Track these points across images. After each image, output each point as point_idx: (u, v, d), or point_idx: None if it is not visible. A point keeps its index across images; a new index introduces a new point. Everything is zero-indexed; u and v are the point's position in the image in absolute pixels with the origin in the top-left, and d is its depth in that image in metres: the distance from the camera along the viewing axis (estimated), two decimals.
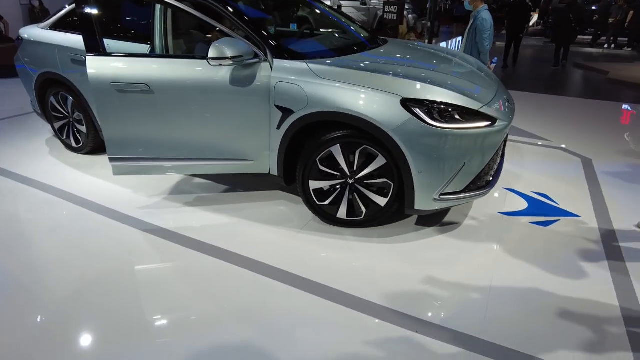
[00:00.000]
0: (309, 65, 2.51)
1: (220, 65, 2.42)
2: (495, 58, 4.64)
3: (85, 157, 3.76)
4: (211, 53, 2.35)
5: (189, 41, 3.20)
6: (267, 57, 2.54)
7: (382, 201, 2.57)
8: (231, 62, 2.41)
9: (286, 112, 2.53)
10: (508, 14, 9.24)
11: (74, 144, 3.79)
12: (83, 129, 3.65)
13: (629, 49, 12.81)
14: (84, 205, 2.98)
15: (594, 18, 14.04)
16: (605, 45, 13.24)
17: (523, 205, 3.11)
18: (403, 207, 2.53)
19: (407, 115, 2.28)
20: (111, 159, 2.70)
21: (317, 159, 2.52)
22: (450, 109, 2.33)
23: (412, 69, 2.77)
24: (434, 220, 2.84)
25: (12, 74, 7.09)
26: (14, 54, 7.16)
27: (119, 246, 2.53)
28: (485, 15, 3.95)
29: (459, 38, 12.13)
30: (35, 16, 7.95)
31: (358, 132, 2.42)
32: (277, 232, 2.69)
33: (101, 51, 2.52)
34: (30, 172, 3.48)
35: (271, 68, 2.53)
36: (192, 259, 2.42)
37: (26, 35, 3.72)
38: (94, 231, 2.68)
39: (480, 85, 2.74)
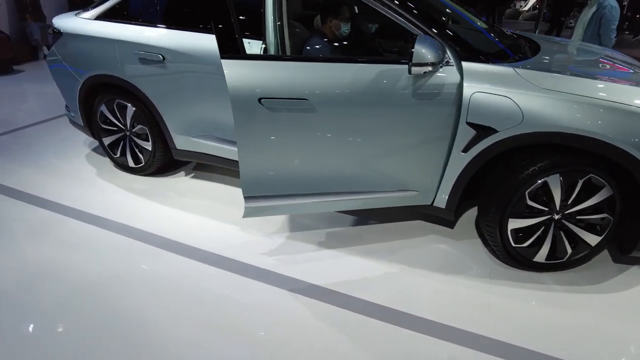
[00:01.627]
0: (518, 70, 1.91)
1: (424, 73, 1.79)
2: None
3: (147, 180, 3.00)
4: (417, 56, 1.71)
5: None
6: (452, 59, 1.93)
7: (593, 240, 2.04)
8: (431, 69, 1.78)
9: (484, 131, 1.92)
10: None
11: (131, 164, 3.03)
12: (147, 145, 2.89)
13: None
14: (179, 251, 2.27)
15: None
16: None
17: None
18: (619, 245, 2.00)
19: None
20: (247, 199, 2.01)
21: (526, 192, 1.95)
22: None
23: (621, 72, 2.22)
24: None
25: (4, 69, 6.13)
26: (2, 46, 6.16)
27: (281, 322, 1.86)
28: (613, 2, 3.44)
29: None
30: (23, 4, 6.78)
31: (582, 158, 1.87)
32: (457, 282, 2.10)
33: (242, 54, 1.81)
34: (85, 204, 2.70)
35: (461, 74, 1.92)
36: (379, 331, 1.81)
37: (66, 27, 2.89)
38: (221, 294, 1.98)
39: None
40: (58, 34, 2.93)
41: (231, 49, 1.78)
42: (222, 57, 1.76)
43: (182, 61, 2.45)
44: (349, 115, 1.90)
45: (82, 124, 3.09)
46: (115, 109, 2.87)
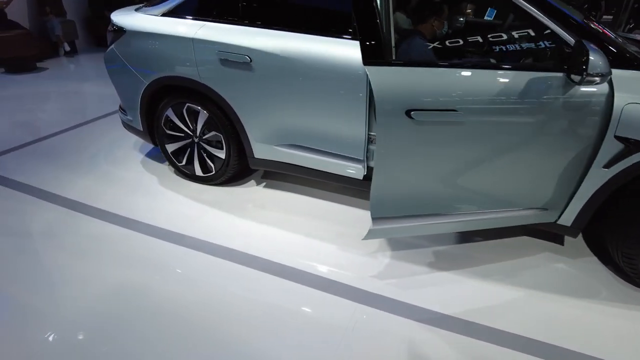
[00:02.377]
0: None
1: (574, 82, 1.58)
2: None
3: (216, 191, 2.77)
4: (592, 67, 1.48)
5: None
6: None
7: None
8: (599, 81, 1.56)
9: (635, 146, 1.71)
10: None
11: (199, 172, 2.80)
12: (219, 153, 2.66)
13: None
14: (279, 273, 2.05)
15: None
16: None
17: None
18: None
19: None
20: (375, 220, 1.80)
21: None
22: None
23: None
24: None
25: (24, 68, 5.88)
26: (23, 42, 5.92)
27: (416, 357, 1.64)
28: None
29: None
30: None
31: None
32: (593, 309, 1.89)
33: (388, 59, 1.57)
34: (156, 218, 2.46)
35: (610, 84, 1.71)
36: None
37: (131, 25, 2.64)
38: (347, 326, 1.76)
39: None
40: (119, 31, 2.68)
41: (376, 54, 1.55)
42: (366, 64, 1.53)
43: (272, 64, 2.21)
44: (496, 128, 1.68)
45: (141, 129, 2.86)
46: (185, 114, 2.64)
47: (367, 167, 2.28)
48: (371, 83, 1.55)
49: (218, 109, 2.50)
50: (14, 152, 3.34)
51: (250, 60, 2.23)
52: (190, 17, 2.47)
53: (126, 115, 2.94)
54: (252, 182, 2.88)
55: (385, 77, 1.57)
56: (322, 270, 2.09)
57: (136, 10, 2.80)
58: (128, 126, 3.00)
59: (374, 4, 1.58)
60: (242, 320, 1.81)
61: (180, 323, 1.78)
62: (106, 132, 3.77)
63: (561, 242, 2.32)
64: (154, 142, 2.91)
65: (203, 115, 2.57)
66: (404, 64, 1.63)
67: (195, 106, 2.56)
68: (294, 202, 2.66)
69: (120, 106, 3.04)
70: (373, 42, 1.55)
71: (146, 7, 2.74)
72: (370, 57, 1.54)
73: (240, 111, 2.41)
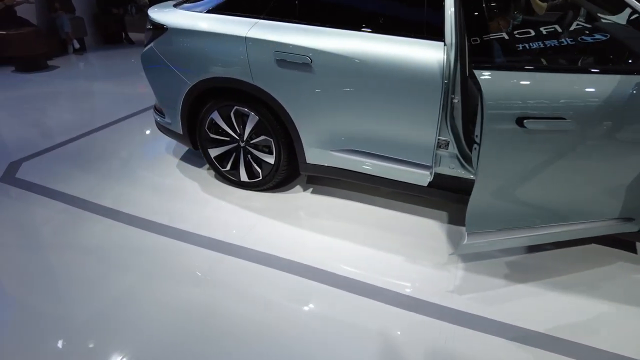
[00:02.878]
0: None
1: None
2: None
3: (264, 197, 2.63)
4: None
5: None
6: None
7: None
8: None
9: None
10: None
11: (244, 178, 2.67)
12: (268, 158, 2.52)
13: None
14: (351, 289, 1.92)
15: None
16: None
17: None
18: None
19: None
20: (470, 235, 1.69)
21: None
22: None
23: None
24: None
25: (34, 66, 5.67)
26: (34, 40, 5.78)
27: None
28: None
29: None
30: None
31: None
32: None
33: (495, 62, 1.45)
34: (208, 228, 2.33)
35: None
36: None
37: (173, 22, 2.49)
38: (442, 347, 1.64)
39: None
40: (159, 29, 2.53)
41: (484, 56, 1.43)
42: (475, 68, 1.41)
43: (335, 65, 2.07)
44: (605, 136, 1.56)
45: (181, 133, 2.71)
46: (232, 117, 2.51)
47: (434, 173, 2.16)
48: (482, 89, 1.42)
49: (270, 112, 2.37)
50: (40, 157, 3.18)
51: (311, 61, 2.11)
52: (240, 15, 2.34)
53: (163, 117, 2.79)
54: (298, 187, 2.75)
55: (497, 82, 1.45)
56: (395, 284, 1.96)
57: (175, 6, 2.66)
58: (165, 129, 2.86)
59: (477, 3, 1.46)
60: (319, 340, 1.69)
61: (252, 344, 1.66)
62: (133, 134, 3.63)
63: (634, 251, 2.23)
64: (193, 146, 2.77)
65: (252, 119, 2.44)
66: (512, 68, 1.50)
67: (245, 109, 2.43)
68: (346, 209, 2.53)
69: (155, 107, 2.89)
70: (480, 43, 1.43)
71: (188, 3, 2.59)
72: (479, 59, 1.43)
73: (295, 115, 2.28)
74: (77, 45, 6.50)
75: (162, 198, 2.65)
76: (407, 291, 1.93)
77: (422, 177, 2.19)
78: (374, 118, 2.13)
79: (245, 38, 2.23)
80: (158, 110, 2.85)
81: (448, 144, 2.09)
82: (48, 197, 2.64)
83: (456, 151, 2.09)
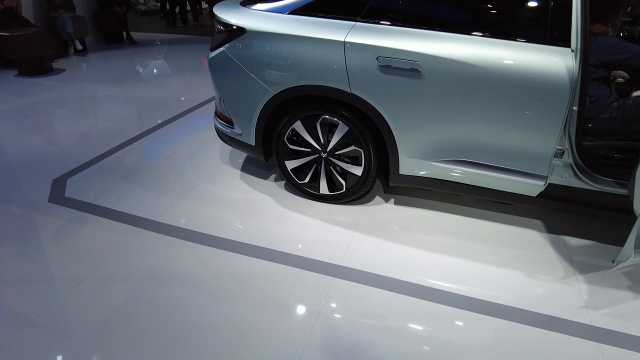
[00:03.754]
0: None
1: None
2: None
3: (346, 210, 2.48)
4: None
5: None
6: None
7: None
8: None
9: None
10: None
11: (324, 191, 2.52)
12: (355, 169, 2.37)
13: None
14: (484, 311, 1.80)
15: None
16: None
17: None
18: None
19: None
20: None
21: None
22: None
23: None
24: None
25: (40, 69, 5.28)
26: (39, 41, 5.60)
27: None
28: None
29: None
30: None
31: None
32: None
33: None
34: (303, 248, 2.17)
35: None
36: None
37: (251, 24, 2.29)
38: None
39: None
40: (235, 32, 2.33)
41: None
42: None
43: (448, 71, 1.95)
44: None
45: (253, 144, 2.53)
46: (318, 127, 2.35)
47: (548, 183, 2.08)
48: None
49: (361, 122, 2.23)
50: (84, 171, 2.92)
51: (422, 67, 1.98)
52: (330, 17, 2.18)
53: (232, 127, 2.60)
54: (378, 199, 2.62)
55: None
56: (522, 302, 1.86)
57: (244, 5, 2.46)
58: (231, 140, 2.66)
59: None
60: None
61: None
62: (177, 143, 3.39)
63: None
64: (264, 159, 2.59)
65: (342, 129, 2.28)
66: None
67: (333, 119, 2.28)
68: (438, 221, 2.42)
69: (219, 116, 2.69)
70: None
71: (261, 3, 2.40)
72: None
73: (395, 124, 2.14)
74: (79, 47, 6.10)
75: (238, 215, 2.46)
76: (538, 309, 1.83)
77: (533, 188, 2.10)
78: (488, 127, 2.02)
79: (344, 43, 2.08)
80: (224, 120, 2.65)
81: (563, 153, 2.01)
82: (109, 218, 2.41)
83: (571, 160, 2.01)
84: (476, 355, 1.63)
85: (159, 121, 3.80)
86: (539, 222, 2.41)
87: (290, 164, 2.51)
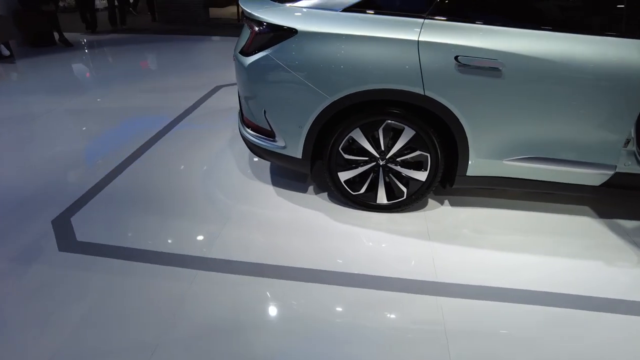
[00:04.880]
0: None
1: None
2: None
3: (404, 219, 2.34)
4: None
5: None
6: None
7: None
8: None
9: None
10: None
11: (382, 200, 2.34)
12: (418, 175, 2.24)
13: None
14: (604, 308, 1.79)
15: None
16: None
17: None
18: None
19: None
20: None
21: None
22: None
23: None
24: None
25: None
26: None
27: None
28: None
29: None
30: None
31: None
32: None
33: None
34: (394, 267, 2.00)
35: None
36: None
37: (303, 25, 2.01)
38: None
39: None
40: (281, 32, 2.05)
41: None
42: None
43: (529, 69, 1.89)
44: None
45: (300, 157, 2.28)
46: (381, 133, 2.17)
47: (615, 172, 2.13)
48: None
49: (431, 125, 2.10)
50: (86, 206, 2.41)
51: (503, 66, 1.89)
52: (393, 14, 1.99)
53: (272, 141, 2.31)
54: (432, 202, 2.50)
55: None
56: (623, 292, 1.88)
57: (280, 1, 2.18)
58: (271, 154, 2.36)
59: None
60: None
61: None
62: (181, 160, 2.97)
63: None
64: (309, 171, 2.35)
65: (407, 133, 2.13)
66: None
67: (400, 124, 2.11)
68: (502, 219, 2.38)
69: (252, 127, 2.38)
70: None
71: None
72: None
73: (469, 125, 2.04)
74: (5, 52, 5.12)
75: (301, 238, 2.20)
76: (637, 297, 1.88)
77: (599, 177, 2.15)
78: (565, 122, 2.00)
79: (418, 42, 1.92)
80: (261, 132, 2.35)
81: (629, 142, 2.07)
82: (149, 262, 2.00)
83: (634, 148, 2.08)
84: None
85: (148, 137, 3.30)
86: (587, 209, 2.49)
87: (344, 175, 2.31)
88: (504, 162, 2.16)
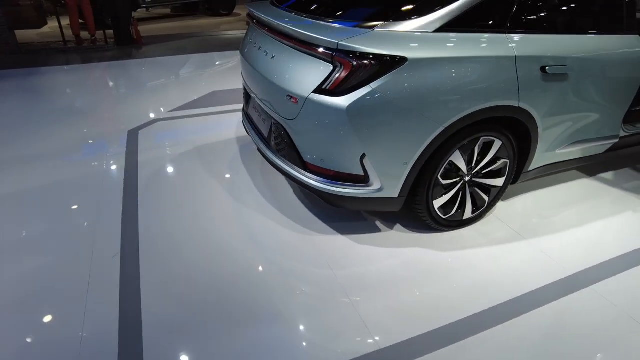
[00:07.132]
0: None
1: None
2: None
3: (477, 230, 2.39)
4: None
5: None
6: None
7: None
8: None
9: None
10: None
11: (468, 214, 2.30)
12: (496, 182, 2.29)
13: None
14: None
15: None
16: None
17: None
18: None
19: None
20: None
21: None
22: None
23: None
24: None
25: None
26: None
27: None
28: None
29: None
30: None
31: None
32: None
33: None
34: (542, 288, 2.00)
35: None
36: None
37: (408, 52, 1.74)
38: None
39: None
40: (390, 63, 1.73)
41: None
42: None
43: (589, 70, 2.20)
44: None
45: (396, 196, 2.02)
46: (476, 150, 2.09)
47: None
48: None
49: (513, 132, 2.17)
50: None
51: (571, 70, 2.10)
52: (475, 31, 1.93)
53: (364, 186, 1.96)
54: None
55: None
56: None
57: (362, 27, 1.83)
58: (358, 201, 2.01)
59: None
60: None
61: None
62: (210, 219, 2.21)
63: None
64: (404, 207, 2.12)
65: (496, 145, 2.15)
66: None
67: (492, 137, 2.10)
68: (563, 196, 2.70)
69: (334, 176, 1.97)
70: None
71: (376, 19, 1.84)
72: None
73: (543, 126, 2.20)
74: None
75: (436, 284, 1.98)
76: None
77: (608, 145, 2.63)
78: (599, 109, 2.39)
79: (515, 57, 1.92)
80: (346, 180, 1.96)
81: None
82: None
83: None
84: None
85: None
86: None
87: (439, 202, 2.17)
88: (557, 151, 2.43)
